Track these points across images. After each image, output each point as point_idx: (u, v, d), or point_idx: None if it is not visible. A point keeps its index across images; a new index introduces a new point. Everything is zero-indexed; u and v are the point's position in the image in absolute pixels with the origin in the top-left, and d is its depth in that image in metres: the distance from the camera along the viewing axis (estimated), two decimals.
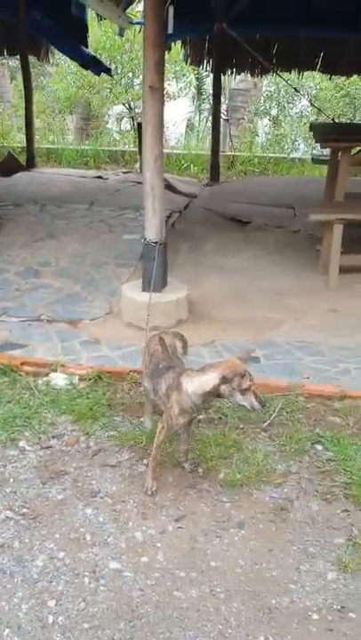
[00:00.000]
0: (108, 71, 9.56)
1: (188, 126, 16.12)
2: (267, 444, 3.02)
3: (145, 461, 2.83)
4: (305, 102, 16.28)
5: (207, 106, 15.38)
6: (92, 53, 9.68)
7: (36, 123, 13.91)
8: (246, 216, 7.22)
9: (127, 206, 7.27)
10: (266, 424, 3.16)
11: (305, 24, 8.10)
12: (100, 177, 9.23)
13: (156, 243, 4.09)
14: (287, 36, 8.93)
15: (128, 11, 8.55)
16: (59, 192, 7.99)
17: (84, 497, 2.63)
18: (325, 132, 5.78)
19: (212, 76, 9.60)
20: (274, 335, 4.22)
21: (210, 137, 9.55)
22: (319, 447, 3.01)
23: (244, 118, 13.34)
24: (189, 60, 9.48)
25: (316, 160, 7.96)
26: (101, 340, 4.02)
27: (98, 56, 10.01)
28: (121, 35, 9.48)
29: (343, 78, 12.18)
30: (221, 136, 11.24)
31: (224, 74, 9.68)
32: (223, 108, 12.22)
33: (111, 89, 12.48)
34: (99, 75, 10.16)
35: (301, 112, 15.76)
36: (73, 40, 9.02)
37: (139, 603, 2.12)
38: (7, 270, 5.16)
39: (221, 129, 10.73)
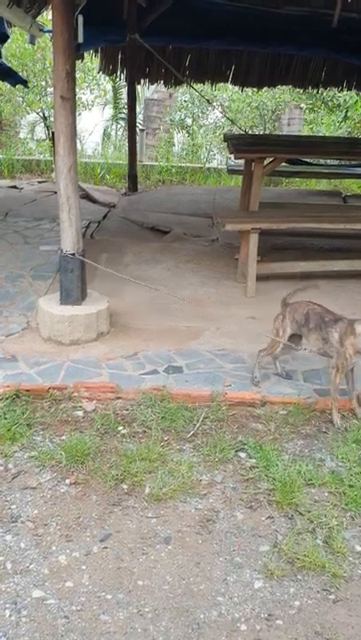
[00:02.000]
0: (24, 83, 9.32)
1: (104, 135, 16.06)
2: (192, 455, 3.01)
3: (68, 481, 2.75)
4: (218, 113, 16.63)
5: (123, 115, 15.39)
6: (7, 63, 9.41)
7: None
8: (165, 225, 7.25)
9: (43, 217, 7.11)
10: (190, 434, 3.16)
11: (210, 38, 8.27)
12: (14, 187, 8.98)
13: (73, 254, 4.00)
14: (198, 49, 9.08)
15: (39, 18, 8.39)
16: None
17: (4, 523, 2.52)
18: (239, 144, 5.90)
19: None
20: (195, 344, 4.24)
21: (126, 146, 9.55)
22: (243, 455, 3.04)
23: (159, 128, 13.42)
24: (104, 70, 9.41)
25: (232, 170, 8.12)
26: (18, 357, 3.88)
27: (6, 63, 9.74)
28: (32, 43, 9.26)
29: (254, 90, 12.54)
30: (138, 146, 11.27)
31: (138, 83, 9.70)
32: (140, 117, 12.23)
33: (24, 97, 12.20)
34: (14, 86, 9.90)
35: (215, 122, 16.11)
36: None
37: (64, 631, 2.04)
38: None
39: (138, 138, 10.74)
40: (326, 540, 2.49)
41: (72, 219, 3.94)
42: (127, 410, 3.33)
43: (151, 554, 2.40)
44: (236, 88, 11.56)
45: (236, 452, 3.05)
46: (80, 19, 4.22)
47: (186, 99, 15.68)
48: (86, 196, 8.39)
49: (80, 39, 4.14)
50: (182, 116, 15.35)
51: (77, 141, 14.68)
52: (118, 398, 3.41)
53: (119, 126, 16.16)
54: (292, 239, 6.44)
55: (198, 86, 10.03)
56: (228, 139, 6.36)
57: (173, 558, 2.38)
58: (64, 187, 3.84)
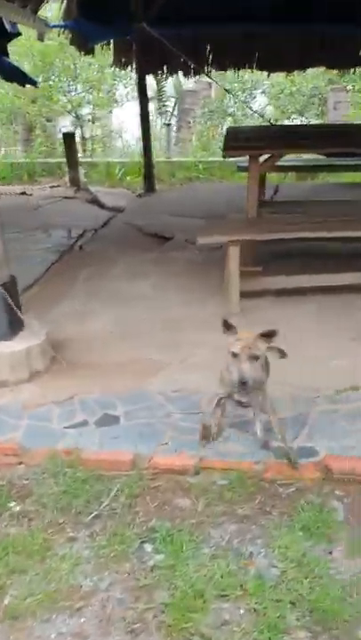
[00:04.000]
0: (33, 83, 8.94)
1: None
2: (84, 547, 2.40)
3: None
4: (263, 100, 15.71)
5: (164, 109, 14.80)
6: (15, 63, 9.04)
7: None
8: (170, 231, 6.63)
9: (38, 227, 6.67)
10: (91, 516, 2.55)
11: (228, 20, 7.51)
12: (24, 193, 8.62)
13: None
14: (218, 35, 8.33)
15: (41, 13, 7.92)
16: None
17: None
18: (233, 139, 5.18)
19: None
20: (149, 383, 3.60)
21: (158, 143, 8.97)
22: (148, 547, 2.39)
23: (191, 121, 12.73)
24: (117, 64, 8.84)
25: (242, 168, 7.33)
26: None
27: (19, 65, 9.39)
28: (41, 39, 8.84)
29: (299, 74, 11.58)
30: (165, 141, 10.67)
31: (155, 75, 9.07)
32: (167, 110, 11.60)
33: (50, 97, 11.87)
34: (24, 86, 9.54)
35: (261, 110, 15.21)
36: None
37: None
38: None
39: (164, 134, 10.15)
40: None
41: None
42: (27, 479, 2.76)
43: None
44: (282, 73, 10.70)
45: (141, 542, 2.41)
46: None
47: (228, 87, 14.91)
48: (94, 201, 7.90)
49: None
50: (225, 106, 14.62)
51: (115, 138, 14.24)
52: (20, 463, 2.85)
53: (158, 120, 15.53)
54: (306, 244, 5.64)
55: (223, 74, 9.28)
56: (228, 133, 5.65)
57: None
58: None
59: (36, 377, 3.60)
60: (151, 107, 16.11)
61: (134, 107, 15.18)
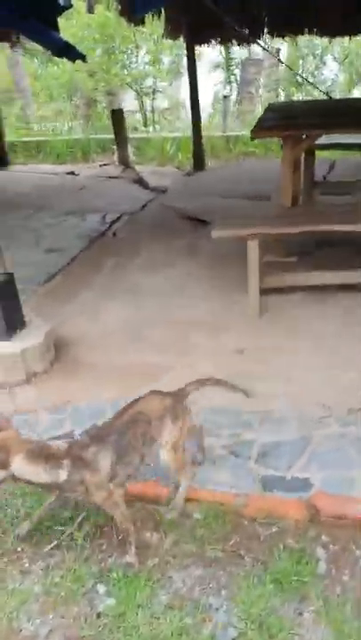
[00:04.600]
0: (82, 57, 8.72)
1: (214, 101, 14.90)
2: (35, 582, 2.25)
3: None
4: (334, 67, 14.81)
5: (233, 79, 14.18)
6: (64, 38, 8.84)
7: (41, 111, 13.35)
8: (210, 214, 6.29)
9: (76, 211, 6.52)
10: (51, 546, 2.39)
11: None
12: (72, 172, 8.50)
13: None
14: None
15: None
16: (13, 194, 7.35)
17: None
18: (271, 118, 4.76)
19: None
20: (146, 391, 3.37)
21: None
22: (102, 589, 2.20)
23: (254, 92, 12.10)
24: (167, 35, 8.43)
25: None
26: None
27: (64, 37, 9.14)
28: (90, 12, 8.59)
29: None
30: (222, 114, 10.21)
31: (207, 44, 8.60)
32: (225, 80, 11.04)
33: (109, 70, 11.62)
34: (73, 61, 9.33)
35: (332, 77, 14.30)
36: (41, 25, 8.22)
37: None
38: None
39: (221, 106, 9.69)
40: None
41: None
42: None
43: None
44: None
45: (95, 582, 2.23)
46: None
47: (297, 53, 14.09)
48: (138, 181, 7.66)
49: None
50: (292, 75, 13.82)
51: (177, 112, 13.85)
52: None
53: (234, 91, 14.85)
54: None
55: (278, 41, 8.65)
56: (266, 110, 5.21)
57: None
58: None
59: (34, 379, 3.47)
60: (218, 76, 15.56)
61: (200, 78, 14.73)
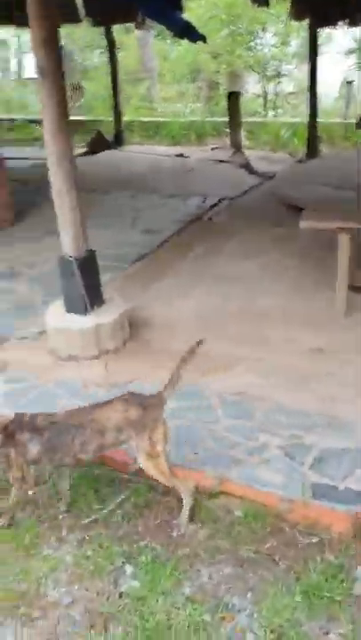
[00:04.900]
0: (203, 39, 8.66)
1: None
2: (68, 551, 2.32)
3: None
4: None
5: None
6: (188, 19, 8.81)
7: (165, 92, 13.49)
8: (314, 204, 6.04)
9: (181, 193, 6.54)
10: (89, 520, 2.44)
11: None
12: (181, 155, 8.53)
13: (72, 257, 3.43)
14: None
15: None
16: (125, 173, 7.51)
17: None
18: None
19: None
20: (212, 380, 3.33)
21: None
22: (128, 570, 2.22)
23: None
24: (293, 16, 8.11)
25: None
26: (8, 367, 3.53)
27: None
28: None
29: None
30: (344, 100, 9.74)
31: (334, 26, 8.18)
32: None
33: (232, 52, 11.46)
34: (195, 42, 9.27)
35: None
36: (165, 5, 8.26)
37: None
38: None
39: (346, 91, 9.24)
40: None
41: (68, 219, 3.35)
42: None
43: None
44: None
45: (124, 562, 2.25)
46: None
47: None
48: (245, 166, 7.52)
49: None
50: None
51: (301, 96, 13.36)
52: None
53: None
54: None
55: None
56: None
57: None
58: (55, 182, 3.25)
59: (105, 355, 3.54)
60: (351, 62, 14.77)
61: (327, 62, 14.13)
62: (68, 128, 3.17)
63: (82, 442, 2.28)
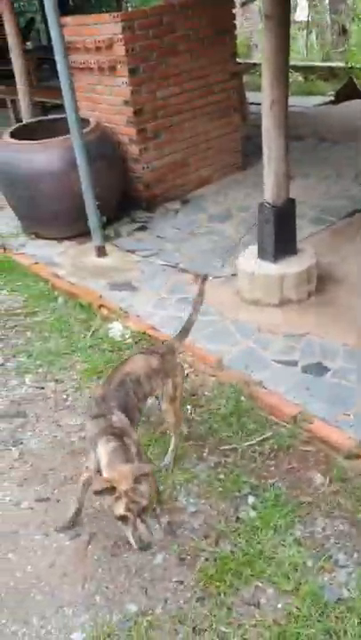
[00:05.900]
0: None
1: None
2: (204, 470, 2.58)
3: None
4: None
5: None
6: None
7: None
8: None
9: None
10: (229, 448, 2.66)
11: None
12: None
13: (269, 205, 3.52)
14: None
15: None
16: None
17: None
18: None
19: None
20: None
21: None
22: (251, 500, 2.41)
23: None
24: None
25: None
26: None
27: None
28: None
29: None
30: None
31: None
32: None
33: None
34: None
35: None
36: None
37: None
38: (205, 211, 5.17)
39: None
40: None
41: (271, 166, 3.42)
42: (207, 392, 3.00)
43: None
44: None
45: (249, 493, 2.44)
46: None
47: None
48: None
49: None
50: None
51: None
52: (213, 376, 3.08)
53: None
54: None
55: None
56: None
57: None
58: (265, 127, 3.33)
59: (286, 305, 3.63)
60: None
61: None
62: (286, 76, 3.20)
63: (134, 391, 2.33)
